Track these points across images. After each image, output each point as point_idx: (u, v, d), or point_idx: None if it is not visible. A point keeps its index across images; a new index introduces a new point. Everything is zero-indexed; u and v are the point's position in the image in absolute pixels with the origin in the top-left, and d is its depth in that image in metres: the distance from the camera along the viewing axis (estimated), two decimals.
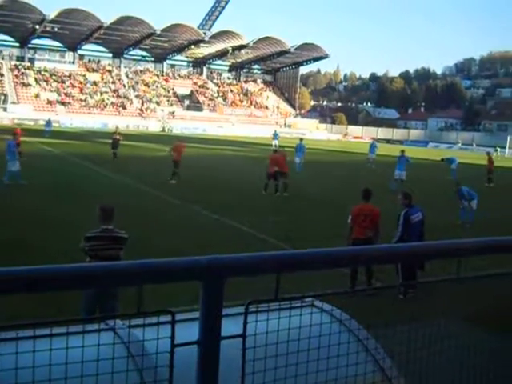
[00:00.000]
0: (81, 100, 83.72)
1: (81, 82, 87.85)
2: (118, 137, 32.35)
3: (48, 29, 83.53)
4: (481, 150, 73.19)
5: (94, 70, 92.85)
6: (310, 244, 12.45)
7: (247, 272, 1.82)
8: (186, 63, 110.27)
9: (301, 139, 34.61)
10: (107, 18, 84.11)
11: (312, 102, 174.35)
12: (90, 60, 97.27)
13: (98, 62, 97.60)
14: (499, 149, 61.89)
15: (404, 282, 9.81)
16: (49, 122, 53.41)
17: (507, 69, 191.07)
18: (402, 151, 28.24)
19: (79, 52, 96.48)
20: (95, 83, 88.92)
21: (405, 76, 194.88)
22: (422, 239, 9.88)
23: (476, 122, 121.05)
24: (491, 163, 31.38)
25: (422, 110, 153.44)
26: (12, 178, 20.60)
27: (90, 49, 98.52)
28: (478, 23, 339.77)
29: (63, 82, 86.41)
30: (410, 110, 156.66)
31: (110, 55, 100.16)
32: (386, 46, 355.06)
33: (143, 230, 14.32)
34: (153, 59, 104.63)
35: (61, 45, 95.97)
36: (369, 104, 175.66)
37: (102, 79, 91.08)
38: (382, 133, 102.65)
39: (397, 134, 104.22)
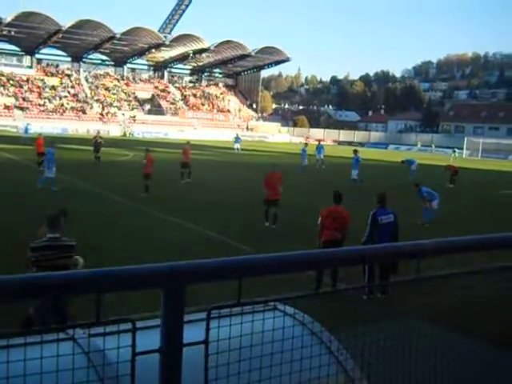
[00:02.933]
0: (39, 105, 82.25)
1: (39, 87, 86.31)
2: (99, 140, 33.49)
3: (4, 32, 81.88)
4: (439, 151, 74.61)
5: (52, 75, 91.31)
6: (273, 246, 12.50)
7: (209, 278, 1.80)
8: (146, 67, 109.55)
9: (319, 140, 34.96)
10: (65, 22, 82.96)
11: (274, 106, 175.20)
12: (48, 64, 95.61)
13: (57, 66, 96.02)
14: (457, 150, 63.06)
15: (368, 284, 9.94)
16: (27, 129, 51.59)
17: (463, 71, 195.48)
18: (355, 151, 29.71)
19: (37, 56, 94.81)
20: (54, 88, 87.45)
21: (365, 79, 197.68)
22: (394, 241, 9.98)
23: (434, 123, 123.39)
24: (453, 168, 32.01)
25: (382, 112, 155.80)
26: (45, 183, 21.72)
27: (48, 53, 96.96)
28: (435, 27, 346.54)
29: (21, 86, 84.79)
30: (370, 113, 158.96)
31: (69, 59, 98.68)
32: (347, 49, 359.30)
33: (102, 236, 14.17)
34: (113, 63, 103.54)
35: (18, 49, 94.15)
36: (330, 107, 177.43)
37: (61, 83, 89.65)
38: (343, 135, 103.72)
39: (358, 136, 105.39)
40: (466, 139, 77.95)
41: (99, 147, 33.17)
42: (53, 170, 22.00)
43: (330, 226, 10.50)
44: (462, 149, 73.08)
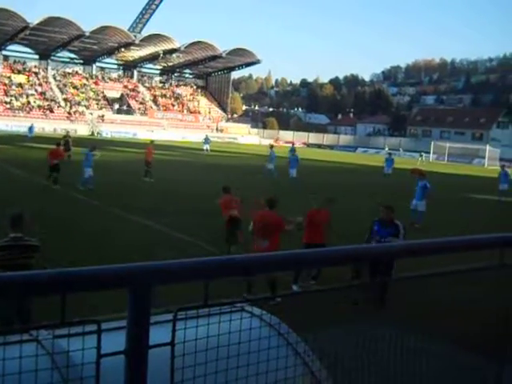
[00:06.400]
0: (5, 102, 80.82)
1: (5, 84, 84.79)
2: (69, 139, 34.61)
3: None
4: (407, 155, 75.57)
5: (19, 72, 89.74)
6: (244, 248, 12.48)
7: (176, 279, 1.79)
8: (116, 66, 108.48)
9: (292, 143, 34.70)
10: (33, 19, 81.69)
11: (244, 107, 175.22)
12: (15, 61, 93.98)
13: (24, 63, 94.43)
14: (424, 154, 63.97)
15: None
16: (31, 128, 54.26)
17: (431, 77, 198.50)
18: (293, 150, 32.35)
19: (4, 53, 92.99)
20: (21, 85, 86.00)
21: (334, 82, 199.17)
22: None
23: (402, 127, 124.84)
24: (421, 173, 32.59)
25: (351, 115, 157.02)
26: (84, 184, 23.12)
27: (15, 50, 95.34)
28: (404, 32, 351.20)
29: None
30: (339, 116, 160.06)
31: (37, 57, 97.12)
32: (317, 52, 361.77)
33: (68, 237, 13.99)
34: (82, 62, 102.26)
35: None
36: (300, 109, 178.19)
37: (28, 81, 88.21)
38: (312, 138, 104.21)
39: (327, 139, 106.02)
40: (432, 143, 79.07)
41: (70, 146, 33.78)
42: (89, 170, 23.35)
43: (318, 227, 10.72)
44: (428, 153, 74.14)
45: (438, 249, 2.48)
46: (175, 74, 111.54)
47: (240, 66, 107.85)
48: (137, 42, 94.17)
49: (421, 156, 61.09)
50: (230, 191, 13.81)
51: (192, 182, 28.03)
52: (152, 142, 31.42)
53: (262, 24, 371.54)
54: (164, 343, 1.84)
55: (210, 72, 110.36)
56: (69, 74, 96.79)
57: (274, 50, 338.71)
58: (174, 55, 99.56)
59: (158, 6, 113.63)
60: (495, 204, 27.23)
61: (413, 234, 15.31)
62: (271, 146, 35.80)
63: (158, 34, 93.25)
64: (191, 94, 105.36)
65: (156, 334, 1.75)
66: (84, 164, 23.62)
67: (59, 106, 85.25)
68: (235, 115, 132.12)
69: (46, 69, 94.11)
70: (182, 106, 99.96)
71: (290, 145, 50.63)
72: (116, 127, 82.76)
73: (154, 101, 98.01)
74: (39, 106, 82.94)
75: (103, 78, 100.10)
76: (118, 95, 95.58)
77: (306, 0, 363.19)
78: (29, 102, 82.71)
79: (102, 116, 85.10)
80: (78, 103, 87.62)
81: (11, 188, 21.34)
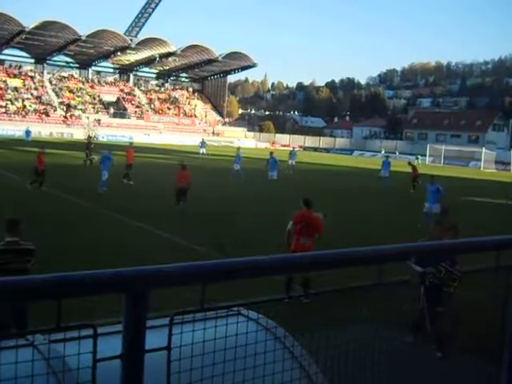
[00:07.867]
0: (1, 106, 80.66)
1: (1, 88, 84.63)
2: (89, 145, 35.52)
3: None
4: (403, 158, 75.65)
5: (15, 76, 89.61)
6: (239, 251, 12.47)
7: (172, 283, 1.79)
8: (112, 70, 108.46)
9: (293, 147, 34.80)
10: (29, 22, 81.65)
11: (240, 111, 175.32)
12: (10, 65, 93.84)
13: (20, 67, 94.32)
14: (420, 157, 64.04)
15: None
16: (28, 132, 56.16)
17: (427, 80, 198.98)
18: (271, 153, 32.61)
19: None
20: (16, 89, 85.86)
21: (331, 86, 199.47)
22: None
23: (398, 130, 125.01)
24: (415, 171, 32.45)
25: (347, 118, 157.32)
26: (102, 187, 23.47)
27: (10, 54, 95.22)
28: (400, 34, 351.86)
29: None
30: (335, 119, 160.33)
31: (33, 61, 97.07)
32: (313, 55, 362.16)
33: (63, 240, 13.95)
34: (78, 65, 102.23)
35: None
36: (296, 113, 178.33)
37: (24, 85, 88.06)
38: (309, 141, 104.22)
39: (323, 142, 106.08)
40: (428, 146, 79.12)
41: (89, 151, 34.78)
42: (106, 173, 23.76)
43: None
44: (425, 155, 74.19)
45: (435, 251, 2.48)
46: (171, 78, 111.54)
47: (236, 70, 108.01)
48: (133, 45, 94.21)
49: (417, 159, 61.18)
50: (185, 168, 19.35)
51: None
52: (131, 144, 32.00)
53: (258, 27, 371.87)
54: (160, 348, 1.83)
55: (206, 76, 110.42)
56: (65, 77, 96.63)
57: (270, 54, 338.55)
58: (170, 59, 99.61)
59: (154, 9, 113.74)
60: (501, 207, 27.02)
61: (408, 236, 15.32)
62: (238, 148, 37.99)
63: (154, 38, 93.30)
64: (187, 98, 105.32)
65: (152, 339, 1.75)
66: (102, 167, 23.96)
67: (55, 110, 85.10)
68: (231, 119, 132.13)
69: (42, 73, 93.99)
70: (179, 109, 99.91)
71: (291, 148, 51.78)
72: (112, 131, 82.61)
73: (150, 104, 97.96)
74: (35, 110, 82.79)
75: (99, 81, 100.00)
76: (114, 99, 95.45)
77: (302, 3, 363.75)
78: (24, 106, 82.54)
79: (99, 120, 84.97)
80: (74, 107, 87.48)
81: (9, 193, 21.29)
